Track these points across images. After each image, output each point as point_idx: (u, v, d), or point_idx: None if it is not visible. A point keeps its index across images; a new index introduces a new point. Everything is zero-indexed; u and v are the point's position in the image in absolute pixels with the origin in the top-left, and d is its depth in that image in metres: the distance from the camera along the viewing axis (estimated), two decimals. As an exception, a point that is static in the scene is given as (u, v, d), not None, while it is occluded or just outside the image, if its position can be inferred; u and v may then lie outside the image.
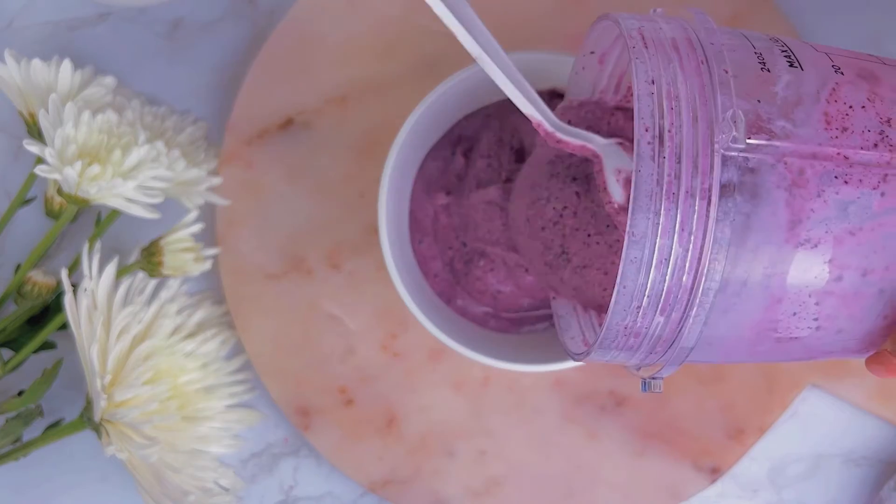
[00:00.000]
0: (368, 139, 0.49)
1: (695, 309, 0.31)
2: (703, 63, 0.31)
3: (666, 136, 0.30)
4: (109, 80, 0.46)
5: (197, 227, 0.46)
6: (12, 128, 0.51)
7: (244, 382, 0.49)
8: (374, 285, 0.49)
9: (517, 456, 0.49)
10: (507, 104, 0.45)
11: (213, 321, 0.48)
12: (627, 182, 0.38)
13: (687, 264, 0.30)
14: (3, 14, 0.51)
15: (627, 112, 0.40)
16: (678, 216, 0.30)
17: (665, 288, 0.30)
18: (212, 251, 0.48)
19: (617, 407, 0.49)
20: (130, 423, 0.42)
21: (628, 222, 0.30)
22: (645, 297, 0.31)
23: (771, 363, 0.48)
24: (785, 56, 0.32)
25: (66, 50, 0.50)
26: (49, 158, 0.41)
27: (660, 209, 0.30)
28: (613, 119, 0.40)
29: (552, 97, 0.45)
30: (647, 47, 0.31)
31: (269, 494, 0.51)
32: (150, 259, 0.45)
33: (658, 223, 0.30)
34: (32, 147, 0.42)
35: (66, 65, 0.45)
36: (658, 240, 0.30)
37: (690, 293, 0.30)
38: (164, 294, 0.46)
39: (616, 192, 0.37)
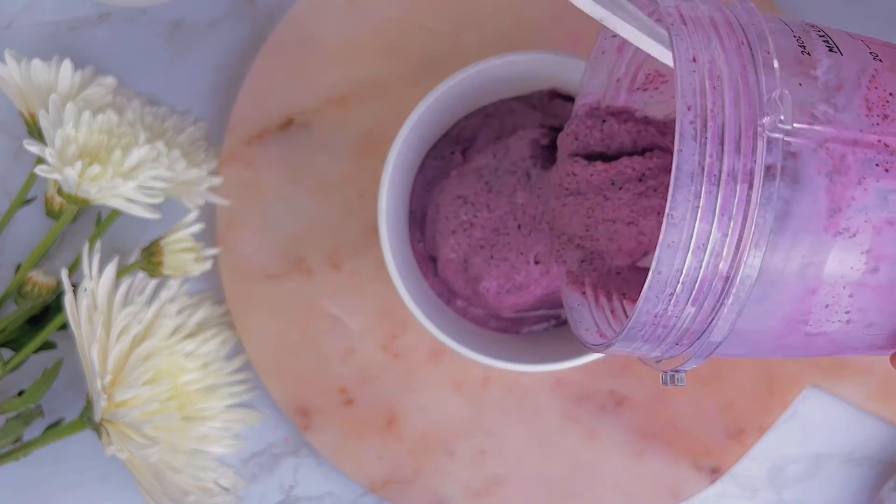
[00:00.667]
0: (368, 139, 0.49)
1: (730, 299, 0.29)
2: (743, 44, 0.30)
3: (709, 115, 0.29)
4: (110, 81, 0.46)
5: (197, 227, 0.46)
6: (12, 128, 0.51)
7: (244, 382, 0.49)
8: (374, 285, 0.49)
9: (517, 456, 0.49)
10: (506, 104, 0.45)
11: (213, 321, 0.48)
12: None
13: (724, 250, 0.29)
14: (4, 14, 0.51)
15: (629, 118, 0.39)
16: (718, 199, 0.28)
17: (700, 275, 0.29)
18: (212, 251, 0.48)
19: (617, 407, 0.49)
20: (131, 423, 0.42)
21: (668, 204, 0.28)
22: (679, 284, 0.29)
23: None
24: (823, 41, 0.31)
25: (67, 50, 0.50)
26: (49, 158, 0.41)
27: (700, 191, 0.28)
28: (606, 125, 0.39)
29: (552, 97, 0.45)
30: (685, 25, 0.30)
31: (270, 494, 0.51)
32: (151, 259, 0.45)
33: (698, 206, 0.28)
34: (33, 147, 0.42)
35: (67, 65, 0.45)
36: (697, 224, 0.28)
37: (726, 282, 0.29)
38: (165, 294, 0.46)
39: None
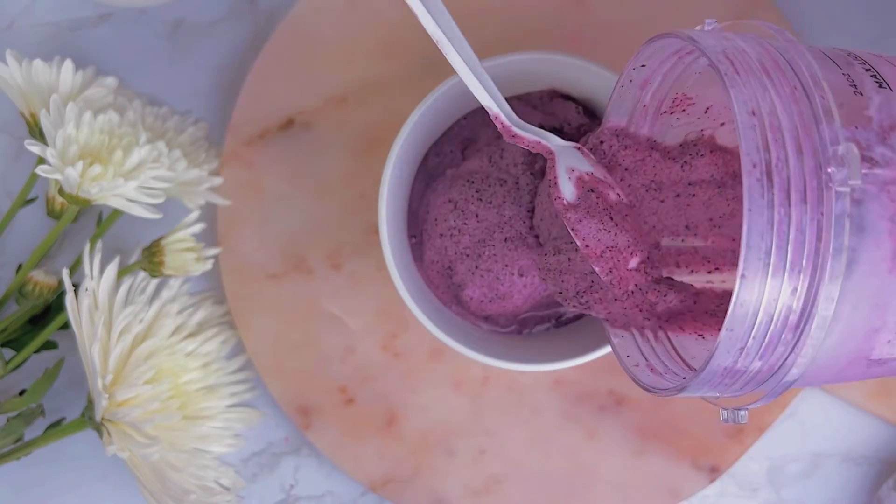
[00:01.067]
0: (369, 139, 0.49)
1: (804, 348, 0.29)
2: (797, 88, 0.30)
3: (773, 170, 0.28)
4: (111, 81, 0.46)
5: (198, 227, 0.46)
6: (14, 128, 0.51)
7: (245, 382, 0.49)
8: (374, 285, 0.49)
9: (517, 455, 0.49)
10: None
11: (214, 321, 0.48)
12: (579, 181, 0.37)
13: (794, 304, 0.29)
14: (5, 14, 0.51)
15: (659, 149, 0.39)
16: (789, 255, 0.28)
17: (771, 329, 0.29)
18: (213, 251, 0.48)
19: (616, 406, 0.49)
20: (132, 422, 0.42)
21: (740, 265, 0.28)
22: (750, 339, 0.29)
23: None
24: (871, 75, 0.31)
25: (68, 50, 0.50)
26: (50, 159, 0.41)
27: (771, 248, 0.28)
28: (628, 152, 0.39)
29: (552, 97, 0.45)
30: (738, 73, 0.30)
31: (270, 493, 0.51)
32: (152, 259, 0.45)
33: (769, 263, 0.28)
34: (34, 147, 0.42)
35: (68, 65, 0.45)
36: (769, 280, 0.29)
37: (797, 331, 0.29)
38: (166, 294, 0.46)
39: (567, 190, 0.37)
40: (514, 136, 0.38)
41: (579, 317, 0.46)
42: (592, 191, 0.37)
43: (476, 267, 0.43)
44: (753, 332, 0.29)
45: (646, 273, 0.38)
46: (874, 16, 0.50)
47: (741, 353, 0.30)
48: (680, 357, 0.37)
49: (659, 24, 0.49)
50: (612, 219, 0.37)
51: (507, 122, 0.37)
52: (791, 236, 0.28)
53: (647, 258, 0.38)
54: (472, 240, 0.43)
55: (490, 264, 0.43)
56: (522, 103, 0.45)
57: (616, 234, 0.37)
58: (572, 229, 0.37)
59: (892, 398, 0.49)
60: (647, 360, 0.37)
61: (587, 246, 0.37)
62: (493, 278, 0.43)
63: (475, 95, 0.37)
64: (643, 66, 0.37)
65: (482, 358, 0.43)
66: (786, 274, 0.29)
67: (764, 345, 0.30)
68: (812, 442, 0.50)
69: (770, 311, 0.29)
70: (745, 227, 0.28)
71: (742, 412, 0.33)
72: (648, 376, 0.36)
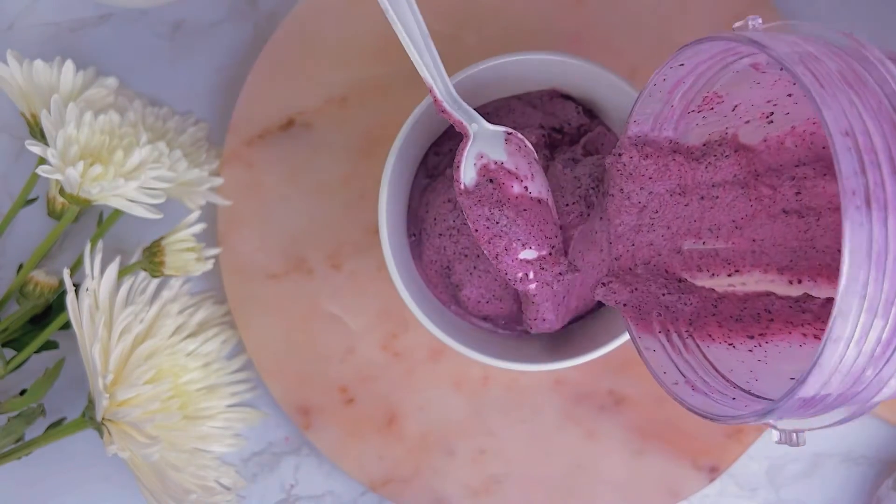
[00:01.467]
0: (369, 139, 0.50)
1: (891, 380, 0.28)
2: (882, 102, 0.28)
3: (871, 195, 0.27)
4: (111, 81, 0.46)
5: (198, 228, 0.46)
6: (14, 128, 0.51)
7: (245, 382, 0.49)
8: (374, 285, 0.49)
9: (517, 455, 0.49)
10: (506, 103, 0.46)
11: (214, 321, 0.48)
12: (483, 168, 0.38)
13: (883, 336, 0.28)
14: (6, 15, 0.51)
15: (682, 155, 0.39)
16: (884, 286, 0.27)
17: (856, 363, 0.28)
18: (213, 251, 0.48)
19: (616, 406, 0.49)
20: (132, 422, 0.42)
21: (837, 298, 0.27)
22: (837, 373, 0.28)
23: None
24: None
25: (68, 51, 0.50)
26: (51, 159, 0.41)
27: (868, 280, 0.27)
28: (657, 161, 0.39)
29: (552, 97, 0.45)
30: (824, 88, 0.28)
31: (271, 493, 0.51)
32: (152, 259, 0.46)
33: (865, 296, 0.27)
34: (35, 148, 0.42)
35: (69, 66, 0.45)
36: (863, 315, 0.27)
37: (882, 364, 0.28)
38: (166, 294, 0.46)
39: (467, 175, 0.38)
40: (443, 111, 0.39)
41: (579, 317, 0.46)
42: (492, 181, 0.39)
43: (474, 267, 0.43)
44: (840, 366, 0.28)
45: (542, 269, 0.39)
46: (871, 16, 0.50)
47: (822, 386, 0.29)
48: (717, 370, 0.36)
49: (659, 24, 0.49)
50: (501, 210, 0.39)
51: (438, 97, 0.38)
52: (889, 267, 0.27)
53: (550, 254, 0.39)
54: (471, 240, 0.43)
55: (487, 265, 0.43)
56: (522, 103, 0.45)
57: (505, 225, 0.39)
58: (465, 213, 0.39)
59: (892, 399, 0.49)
60: (684, 375, 0.36)
61: (476, 230, 0.39)
62: (490, 279, 0.43)
63: (414, 65, 0.37)
64: (681, 64, 0.36)
65: (482, 358, 0.43)
66: (880, 307, 0.27)
67: (846, 378, 0.29)
68: (812, 442, 0.50)
69: (860, 346, 0.28)
70: (845, 261, 0.27)
71: (802, 434, 0.32)
72: (693, 396, 0.35)
